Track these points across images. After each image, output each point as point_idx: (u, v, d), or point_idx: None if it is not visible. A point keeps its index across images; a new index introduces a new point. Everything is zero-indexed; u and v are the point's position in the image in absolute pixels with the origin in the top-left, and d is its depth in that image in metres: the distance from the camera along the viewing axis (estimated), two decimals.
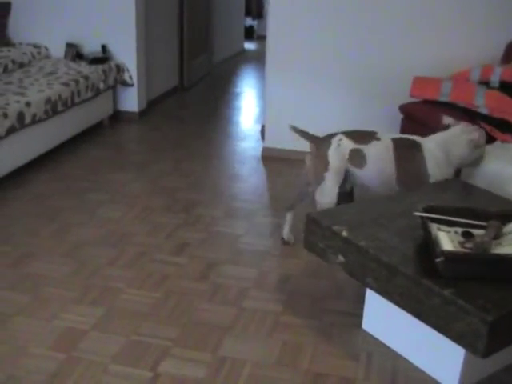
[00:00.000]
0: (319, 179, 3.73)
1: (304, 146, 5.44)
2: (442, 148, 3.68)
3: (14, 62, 6.07)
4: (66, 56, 6.46)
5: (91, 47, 6.46)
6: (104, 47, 6.37)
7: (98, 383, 2.78)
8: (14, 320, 3.23)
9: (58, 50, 6.58)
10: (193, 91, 7.88)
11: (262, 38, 10.71)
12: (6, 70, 5.93)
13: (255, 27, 11.62)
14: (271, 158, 5.54)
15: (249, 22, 11.42)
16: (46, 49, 6.61)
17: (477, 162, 3.83)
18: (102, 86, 6.03)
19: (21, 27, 6.64)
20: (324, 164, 3.71)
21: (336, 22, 5.22)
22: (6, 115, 4.67)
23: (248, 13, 11.23)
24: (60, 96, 5.35)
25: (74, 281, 3.59)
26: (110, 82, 6.22)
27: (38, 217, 4.39)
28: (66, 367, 2.88)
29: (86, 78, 5.81)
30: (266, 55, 5.52)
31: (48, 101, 5.18)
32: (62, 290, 3.50)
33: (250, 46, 10.98)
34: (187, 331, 3.15)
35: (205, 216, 4.45)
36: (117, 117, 6.57)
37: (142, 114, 6.71)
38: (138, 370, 2.87)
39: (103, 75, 6.08)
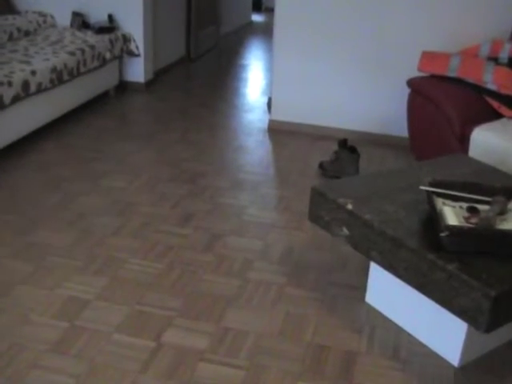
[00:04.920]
0: None
1: (311, 119, 5.45)
2: None
3: (19, 30, 6.03)
4: (72, 25, 6.42)
5: (98, 16, 6.41)
6: (110, 16, 6.33)
7: (102, 352, 2.79)
8: (18, 288, 3.24)
9: (64, 19, 6.53)
10: (200, 62, 7.85)
11: (269, 10, 10.64)
12: (11, 38, 5.90)
13: None
14: (277, 131, 5.52)
15: None
16: (52, 17, 6.56)
17: None
18: (108, 55, 6.00)
19: None
20: None
21: None
22: (10, 83, 4.64)
23: None
24: (66, 65, 5.32)
25: (78, 250, 3.60)
26: (117, 51, 6.18)
27: (42, 186, 4.39)
28: (69, 336, 2.89)
29: (92, 47, 5.78)
30: (273, 27, 5.47)
31: (53, 70, 5.15)
32: (65, 259, 3.51)
33: (257, 18, 10.90)
34: (191, 302, 3.16)
35: (210, 187, 4.45)
36: (123, 87, 6.54)
37: (149, 84, 6.68)
38: (142, 339, 2.88)
39: (109, 45, 6.04)
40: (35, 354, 2.78)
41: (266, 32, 9.52)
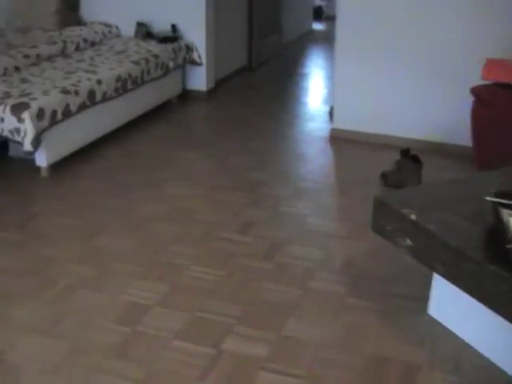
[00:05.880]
0: None
1: (372, 127, 5.41)
2: None
3: (85, 40, 6.16)
4: (136, 35, 6.51)
5: (161, 26, 6.48)
6: (174, 26, 6.40)
7: (162, 358, 2.82)
8: (82, 292, 3.30)
9: (128, 29, 6.63)
10: (261, 71, 7.86)
11: (330, 19, 10.58)
12: (77, 48, 6.03)
13: (324, 7, 11.50)
14: (339, 140, 5.48)
15: (317, 2, 11.31)
16: (117, 28, 6.67)
17: None
18: (171, 64, 6.06)
19: (92, 6, 6.71)
20: None
21: (408, 2, 5.12)
22: (77, 92, 4.74)
23: None
24: (130, 74, 5.40)
25: (140, 256, 3.64)
26: (180, 60, 6.24)
27: (106, 192, 4.46)
28: (130, 341, 2.93)
29: (156, 56, 5.85)
30: (335, 36, 5.45)
31: (118, 79, 5.24)
32: (128, 264, 3.56)
33: (318, 26, 10.88)
34: (251, 309, 3.16)
35: (271, 195, 4.45)
36: (185, 95, 6.59)
37: (210, 92, 6.72)
38: (201, 346, 2.89)
39: (173, 54, 6.11)
40: (97, 358, 2.82)
41: (326, 40, 9.48)
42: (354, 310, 3.19)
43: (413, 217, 2.87)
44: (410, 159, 4.57)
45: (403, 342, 2.95)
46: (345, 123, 5.55)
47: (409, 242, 2.90)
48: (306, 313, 3.16)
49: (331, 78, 6.48)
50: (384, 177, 4.62)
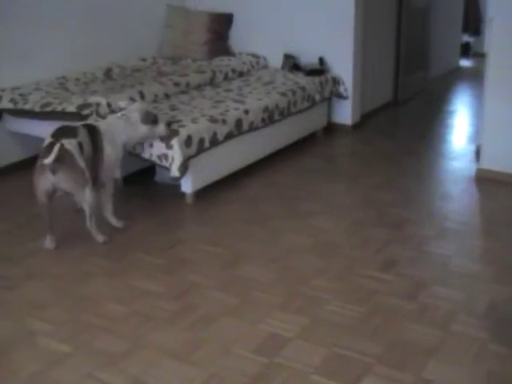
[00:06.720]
0: (83, 184, 3.96)
1: None
2: (109, 129, 4.26)
3: (234, 70, 6.30)
4: (283, 66, 6.59)
5: (308, 59, 6.53)
6: (321, 59, 6.43)
7: None
8: (221, 320, 3.34)
9: (275, 61, 6.72)
10: (406, 107, 7.77)
11: (478, 55, 10.36)
12: (226, 77, 6.17)
13: (471, 44, 11.28)
14: (486, 180, 5.31)
15: (465, 38, 11.11)
16: (265, 59, 6.78)
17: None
18: (317, 97, 6.09)
19: (241, 37, 6.86)
20: (79, 169, 3.92)
21: None
22: (225, 121, 4.84)
23: (465, 29, 10.93)
24: (277, 105, 5.47)
25: (281, 287, 3.65)
26: (326, 93, 6.26)
27: (249, 221, 4.51)
28: (267, 372, 2.93)
29: (303, 88, 5.90)
30: (484, 73, 5.32)
31: (265, 109, 5.31)
32: (268, 295, 3.57)
33: (465, 63, 10.67)
34: (391, 349, 3.10)
35: (415, 234, 4.36)
36: (330, 128, 6.58)
37: (355, 127, 6.69)
38: (338, 383, 2.85)
39: (319, 87, 6.13)
40: None
41: (473, 77, 9.27)
42: (496, 357, 3.06)
43: None
44: None
45: None
46: (492, 163, 5.37)
47: None
48: (446, 356, 3.06)
49: (478, 116, 6.33)
50: None
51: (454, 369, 2.98)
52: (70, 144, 3.90)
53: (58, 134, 3.98)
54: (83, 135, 4.07)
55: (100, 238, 4.12)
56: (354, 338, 3.19)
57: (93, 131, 4.17)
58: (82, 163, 3.93)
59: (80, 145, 3.98)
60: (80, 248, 4.11)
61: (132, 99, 4.89)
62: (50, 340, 3.20)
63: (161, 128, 4.42)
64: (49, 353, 3.11)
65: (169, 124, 4.48)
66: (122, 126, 4.31)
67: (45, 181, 3.91)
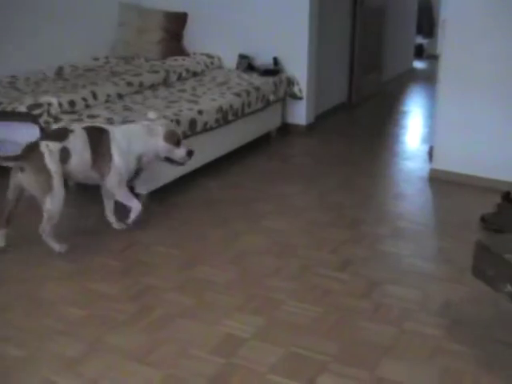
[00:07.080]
0: (46, 189, 3.84)
1: (474, 169, 5.28)
2: (125, 136, 4.15)
3: (188, 70, 6.28)
4: (237, 67, 6.59)
5: (263, 59, 6.53)
6: (276, 59, 6.44)
7: None
8: (178, 321, 3.33)
9: (230, 61, 6.72)
10: (360, 108, 7.82)
11: (431, 57, 10.49)
12: (180, 77, 6.14)
13: (425, 46, 11.42)
14: (438, 180, 5.37)
15: (419, 40, 11.24)
16: (219, 59, 6.77)
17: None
18: (272, 97, 6.09)
19: (196, 37, 6.83)
20: (47, 174, 3.82)
21: None
22: (178, 122, 4.81)
23: (419, 31, 11.06)
24: (231, 106, 5.46)
25: (237, 288, 3.64)
26: (280, 94, 6.27)
27: (205, 222, 4.50)
28: (224, 372, 2.93)
29: (257, 89, 5.89)
30: (436, 74, 5.39)
31: (219, 110, 5.29)
32: (225, 295, 3.57)
33: (418, 64, 10.79)
34: (346, 348, 3.12)
35: (370, 234, 4.39)
36: (284, 129, 6.60)
37: (310, 127, 6.71)
38: (296, 382, 2.87)
39: (274, 87, 6.14)
40: None
41: (427, 79, 9.39)
42: (450, 354, 3.10)
43: None
44: (511, 203, 4.44)
45: None
46: (445, 164, 5.43)
47: (510, 288, 2.83)
48: (400, 354, 3.09)
49: (431, 117, 6.40)
50: (484, 220, 4.50)
51: (407, 366, 3.01)
52: (46, 146, 3.84)
53: (47, 135, 4.01)
54: (77, 140, 3.98)
55: (56, 246, 4.01)
56: (309, 337, 3.20)
57: (97, 136, 4.08)
58: (53, 168, 3.83)
59: (64, 150, 3.90)
60: (38, 250, 4.03)
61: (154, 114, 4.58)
62: (5, 345, 3.15)
63: (181, 152, 4.28)
64: (5, 358, 3.06)
65: (190, 153, 4.33)
66: (142, 135, 4.20)
67: (14, 177, 3.88)
